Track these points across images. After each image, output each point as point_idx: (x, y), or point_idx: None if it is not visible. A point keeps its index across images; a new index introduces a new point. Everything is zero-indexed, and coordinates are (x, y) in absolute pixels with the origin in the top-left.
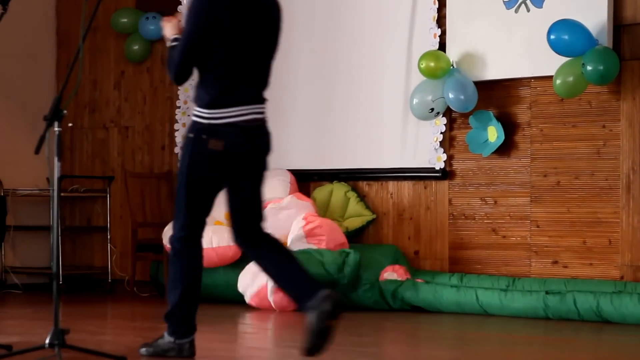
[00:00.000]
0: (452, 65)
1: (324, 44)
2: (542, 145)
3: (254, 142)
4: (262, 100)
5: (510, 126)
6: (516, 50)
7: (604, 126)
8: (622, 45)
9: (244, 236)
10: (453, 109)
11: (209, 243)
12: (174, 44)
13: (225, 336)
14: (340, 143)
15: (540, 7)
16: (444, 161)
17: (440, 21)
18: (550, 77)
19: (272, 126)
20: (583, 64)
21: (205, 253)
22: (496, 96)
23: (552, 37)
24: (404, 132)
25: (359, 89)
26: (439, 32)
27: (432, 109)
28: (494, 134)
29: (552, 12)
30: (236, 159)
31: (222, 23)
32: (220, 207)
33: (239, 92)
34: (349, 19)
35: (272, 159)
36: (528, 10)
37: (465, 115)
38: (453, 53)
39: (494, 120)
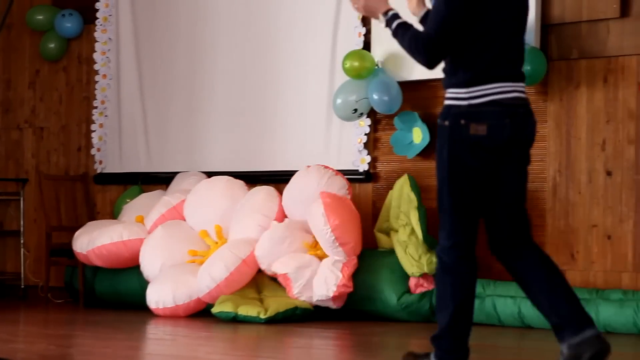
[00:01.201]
0: (377, 65)
1: (245, 41)
2: None
3: (519, 124)
4: (523, 78)
5: (435, 127)
6: None
7: None
8: (549, 45)
9: (505, 246)
10: (377, 110)
11: (119, 236)
12: (401, 21)
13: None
14: (261, 144)
15: None
16: (368, 163)
17: (365, 20)
18: None
19: (188, 127)
20: None
21: (114, 247)
22: (421, 97)
23: None
24: (327, 134)
25: (281, 89)
26: (363, 31)
27: (356, 110)
28: (419, 135)
29: None
30: (501, 144)
31: None
32: (206, 214)
33: (501, 67)
34: (272, 16)
35: (187, 161)
36: None
37: (390, 117)
38: (378, 53)
39: (419, 122)
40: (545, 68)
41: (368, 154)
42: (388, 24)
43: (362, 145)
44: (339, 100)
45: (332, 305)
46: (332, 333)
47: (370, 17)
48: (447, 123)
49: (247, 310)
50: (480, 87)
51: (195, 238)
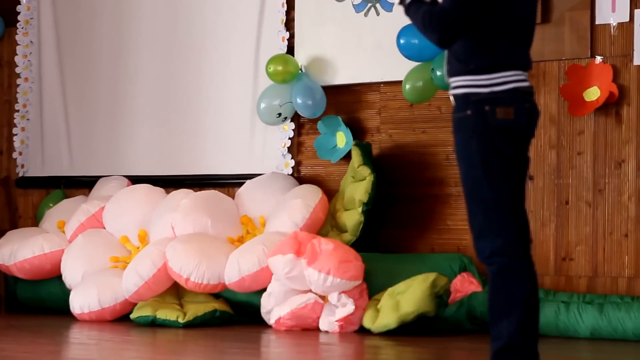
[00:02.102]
0: (301, 69)
1: (168, 45)
2: (392, 151)
3: (533, 111)
4: (531, 66)
5: (359, 132)
6: (366, 54)
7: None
8: None
9: (528, 242)
10: (301, 114)
11: (40, 249)
12: None
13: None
14: (185, 148)
15: (390, 10)
16: (292, 167)
17: (289, 24)
18: (399, 82)
19: (111, 130)
20: (432, 69)
21: (36, 261)
22: (345, 101)
23: (401, 41)
24: (251, 138)
25: (205, 93)
26: (287, 35)
27: (280, 114)
28: (342, 139)
29: (402, 16)
30: (521, 131)
31: None
32: (125, 221)
33: (518, 54)
34: (195, 20)
35: (110, 165)
36: (378, 14)
37: (314, 121)
38: (302, 57)
39: (343, 126)
40: None
41: (292, 158)
42: (402, 1)
43: (286, 149)
44: (262, 105)
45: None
46: (253, 336)
47: None
48: (469, 112)
49: (166, 314)
50: (501, 73)
51: (115, 245)
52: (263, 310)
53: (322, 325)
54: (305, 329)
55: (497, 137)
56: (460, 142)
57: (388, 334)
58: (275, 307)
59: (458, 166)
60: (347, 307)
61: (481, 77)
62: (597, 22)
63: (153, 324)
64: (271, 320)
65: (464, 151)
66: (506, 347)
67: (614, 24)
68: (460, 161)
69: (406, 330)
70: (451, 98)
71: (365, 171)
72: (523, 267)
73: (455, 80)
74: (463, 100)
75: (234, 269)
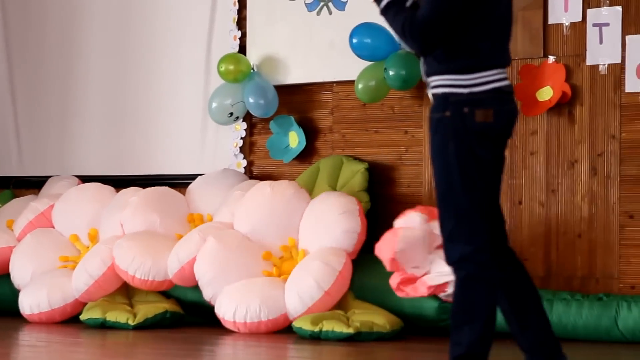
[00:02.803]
0: (253, 68)
1: (119, 44)
2: (344, 151)
3: (513, 112)
4: (510, 62)
5: (311, 131)
6: (318, 53)
7: (406, 132)
8: None
9: (498, 248)
10: (253, 114)
11: None
12: None
13: None
14: (136, 148)
15: (343, 9)
16: (244, 167)
17: (241, 23)
18: (352, 82)
19: (61, 130)
20: (385, 68)
21: None
22: (298, 101)
23: (354, 40)
24: (202, 137)
25: (156, 92)
26: (239, 34)
27: (232, 114)
28: (295, 139)
29: (355, 15)
30: (500, 132)
31: None
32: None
33: (498, 53)
34: (147, 19)
35: (60, 165)
36: (330, 13)
37: (266, 120)
38: (254, 56)
39: (295, 126)
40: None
41: (244, 158)
42: (378, 1)
43: (238, 149)
44: (214, 104)
45: None
46: (201, 338)
47: None
48: (448, 113)
49: (116, 316)
50: (482, 73)
51: (65, 244)
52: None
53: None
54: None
55: (475, 141)
56: (436, 144)
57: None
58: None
59: (432, 166)
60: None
61: (461, 77)
62: (549, 22)
63: (103, 326)
64: None
65: (440, 153)
66: (464, 354)
67: (567, 24)
68: (435, 162)
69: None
70: (430, 97)
71: (364, 197)
72: (490, 276)
73: (434, 80)
74: (442, 100)
75: (174, 260)
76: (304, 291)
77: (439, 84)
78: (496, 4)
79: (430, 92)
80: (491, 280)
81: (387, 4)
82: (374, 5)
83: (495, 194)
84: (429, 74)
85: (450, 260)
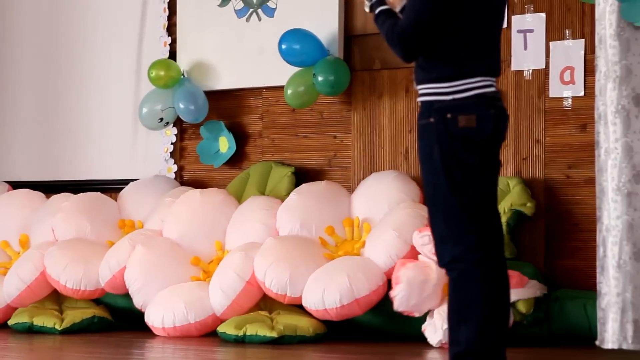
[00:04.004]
0: (183, 74)
1: (49, 49)
2: (274, 155)
3: (500, 117)
4: (499, 72)
5: (242, 136)
6: (248, 59)
7: (335, 137)
8: (352, 55)
9: (489, 249)
10: (184, 119)
11: None
12: (384, 7)
13: None
14: (67, 153)
15: (272, 16)
16: (175, 172)
17: (171, 29)
18: (281, 87)
19: None
20: (314, 74)
21: None
22: (228, 106)
23: (283, 46)
24: (133, 142)
25: (87, 98)
26: (169, 40)
27: (162, 119)
28: (225, 144)
29: (284, 21)
30: (485, 138)
31: None
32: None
33: (482, 61)
34: (76, 24)
35: None
36: (259, 19)
37: (196, 126)
38: (184, 62)
39: (225, 131)
40: (349, 78)
41: (174, 163)
42: (372, 9)
43: (169, 154)
44: (144, 110)
45: None
46: (131, 342)
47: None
48: (432, 120)
49: (43, 320)
50: (464, 80)
51: None
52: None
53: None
54: None
55: (459, 145)
56: (423, 149)
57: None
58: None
59: (421, 171)
60: None
61: (443, 85)
62: None
63: (30, 331)
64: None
65: (427, 158)
66: (464, 352)
67: None
68: (422, 167)
69: None
70: (419, 105)
71: None
72: (483, 273)
73: (420, 88)
74: (427, 107)
75: (105, 269)
76: (226, 284)
77: (424, 92)
78: (477, 13)
79: (418, 100)
80: (484, 276)
81: (378, 13)
82: (370, 14)
83: (486, 197)
84: (417, 82)
85: (442, 262)
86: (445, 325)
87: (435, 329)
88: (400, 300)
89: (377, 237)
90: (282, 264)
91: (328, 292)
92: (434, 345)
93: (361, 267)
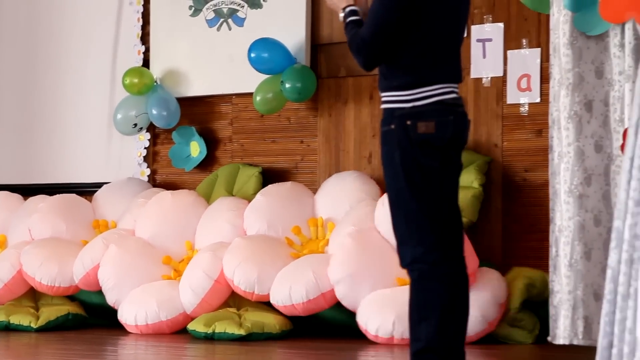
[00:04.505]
0: (156, 81)
1: (26, 55)
2: (243, 159)
3: (459, 122)
4: (460, 79)
5: (212, 141)
6: (218, 67)
7: (302, 141)
8: (319, 63)
9: (449, 250)
10: (156, 125)
11: None
12: (354, 18)
13: None
14: (44, 157)
15: (242, 25)
16: (148, 176)
17: (145, 38)
18: (250, 94)
19: None
20: (282, 81)
21: None
22: (199, 112)
23: (252, 55)
24: (108, 147)
25: (63, 103)
26: (143, 49)
27: (136, 125)
28: (196, 149)
29: (253, 30)
30: (445, 143)
31: None
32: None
33: (441, 69)
34: (53, 33)
35: None
36: (230, 28)
37: (169, 131)
38: (157, 70)
39: (197, 136)
40: (315, 85)
41: (148, 167)
42: (344, 19)
43: (142, 158)
44: (119, 116)
45: None
46: (104, 339)
47: (334, 10)
48: (393, 126)
49: (19, 319)
50: (423, 88)
51: None
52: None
53: None
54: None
55: (419, 151)
56: (385, 154)
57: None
58: None
59: (384, 175)
60: None
61: (403, 93)
62: None
63: (7, 329)
64: None
65: (388, 163)
66: (424, 349)
67: None
68: (385, 171)
69: None
70: (382, 111)
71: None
72: (442, 273)
73: (383, 96)
74: (388, 114)
75: (79, 266)
76: (195, 284)
77: (386, 99)
78: (436, 24)
79: (381, 107)
80: (443, 277)
81: (348, 22)
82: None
83: (446, 200)
84: (380, 90)
85: (403, 263)
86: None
87: None
88: None
89: (339, 234)
90: (250, 262)
91: (295, 288)
92: None
93: (326, 263)
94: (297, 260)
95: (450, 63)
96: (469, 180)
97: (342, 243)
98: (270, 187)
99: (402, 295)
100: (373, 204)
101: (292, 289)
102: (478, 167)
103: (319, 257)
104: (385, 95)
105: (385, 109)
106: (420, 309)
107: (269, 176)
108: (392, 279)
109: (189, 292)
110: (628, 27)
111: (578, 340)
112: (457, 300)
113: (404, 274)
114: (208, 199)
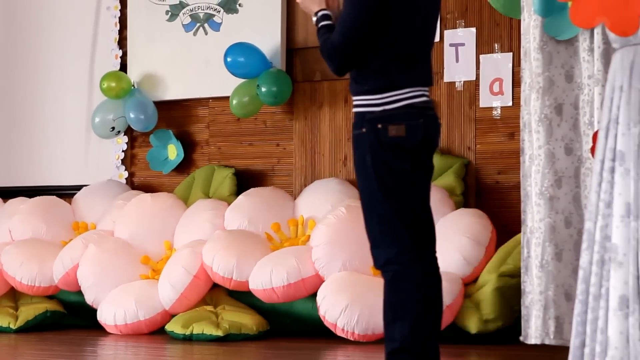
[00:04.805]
0: (133, 85)
1: (5, 59)
2: (220, 162)
3: (430, 125)
4: (431, 82)
5: (189, 144)
6: (195, 71)
7: (278, 144)
8: (294, 67)
9: (421, 251)
10: (134, 128)
11: None
12: (326, 22)
13: None
14: (23, 160)
15: (218, 30)
16: (126, 178)
17: (122, 42)
18: (227, 98)
19: None
20: (258, 85)
21: None
22: (176, 116)
23: (228, 59)
24: (86, 150)
25: (42, 107)
26: (120, 53)
27: (114, 128)
28: (174, 152)
29: (229, 35)
30: (416, 145)
31: None
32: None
33: (411, 73)
34: (31, 38)
35: None
36: (206, 33)
37: (146, 134)
38: (134, 74)
39: (174, 139)
40: (291, 89)
41: (125, 169)
42: (317, 23)
43: (120, 161)
44: (97, 119)
45: None
46: (84, 339)
47: (308, 13)
48: (364, 130)
49: None
50: (393, 92)
51: None
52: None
53: None
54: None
55: (390, 154)
56: (357, 158)
57: None
58: None
59: (356, 178)
60: None
61: (374, 97)
62: None
63: None
64: None
65: (360, 166)
66: (399, 348)
67: None
68: (357, 174)
69: None
70: (354, 115)
71: (233, 199)
72: (415, 274)
73: (354, 100)
74: (360, 118)
75: (59, 266)
76: (175, 279)
77: (357, 103)
78: (406, 29)
79: (352, 111)
80: (417, 278)
81: (320, 27)
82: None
83: (418, 202)
84: (352, 94)
85: (377, 264)
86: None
87: None
88: None
89: (321, 224)
90: (229, 250)
91: (276, 271)
92: None
93: (308, 252)
94: (279, 250)
95: (420, 67)
96: (450, 187)
97: (333, 215)
98: (252, 190)
99: (365, 284)
100: (354, 202)
101: (273, 272)
102: (456, 172)
103: (301, 247)
104: (357, 99)
105: (357, 113)
106: (394, 309)
107: (246, 178)
108: (369, 265)
109: (168, 288)
110: (597, 31)
111: (550, 340)
112: (430, 300)
113: None
114: (186, 200)
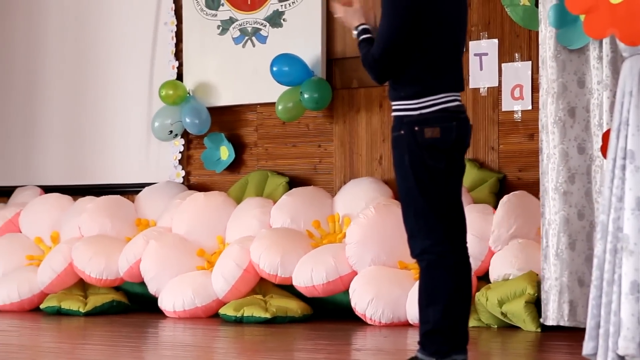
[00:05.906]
0: (189, 93)
1: (76, 69)
2: (267, 162)
3: (462, 127)
4: (462, 87)
5: (239, 146)
6: (244, 80)
7: (319, 146)
8: (334, 76)
9: (453, 242)
10: (190, 132)
11: None
12: (366, 36)
13: None
14: (90, 161)
15: (264, 43)
16: (183, 177)
17: (178, 54)
18: (273, 104)
19: (25, 145)
20: (301, 92)
21: None
22: (227, 120)
23: (274, 69)
24: (147, 152)
25: (107, 113)
26: (176, 64)
27: (171, 131)
28: (225, 153)
29: (275, 47)
30: (449, 146)
31: (428, 5)
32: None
33: (445, 79)
34: (99, 51)
35: (25, 176)
36: (254, 45)
37: (201, 137)
38: (189, 82)
39: (226, 141)
40: (331, 96)
41: (182, 169)
42: (357, 37)
43: (177, 161)
44: (156, 124)
45: None
46: (146, 322)
47: (348, 27)
48: (402, 132)
49: (70, 304)
50: (428, 98)
51: (30, 245)
52: None
53: None
54: None
55: (426, 153)
56: (396, 157)
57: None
58: None
59: (395, 176)
60: None
61: (411, 102)
62: None
63: (59, 313)
64: None
65: (399, 165)
66: (432, 330)
67: None
68: (396, 172)
69: None
70: (393, 118)
71: None
72: (448, 264)
73: (393, 104)
74: (398, 121)
75: (123, 261)
76: (227, 272)
77: (395, 108)
78: (438, 40)
79: (392, 115)
80: (449, 267)
81: (361, 41)
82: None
83: (451, 197)
84: (390, 99)
85: (413, 254)
86: None
87: None
88: None
89: (353, 224)
90: (274, 248)
91: (316, 270)
92: None
93: (344, 251)
94: (318, 248)
95: (452, 74)
96: (483, 202)
97: (363, 214)
98: (294, 190)
99: (390, 278)
100: (386, 201)
101: (313, 271)
102: (490, 188)
103: (337, 245)
104: (395, 104)
105: (395, 117)
106: (428, 295)
107: (290, 176)
108: (396, 259)
109: (221, 280)
110: (605, 41)
111: (564, 322)
112: (461, 287)
113: (407, 258)
114: (239, 201)
